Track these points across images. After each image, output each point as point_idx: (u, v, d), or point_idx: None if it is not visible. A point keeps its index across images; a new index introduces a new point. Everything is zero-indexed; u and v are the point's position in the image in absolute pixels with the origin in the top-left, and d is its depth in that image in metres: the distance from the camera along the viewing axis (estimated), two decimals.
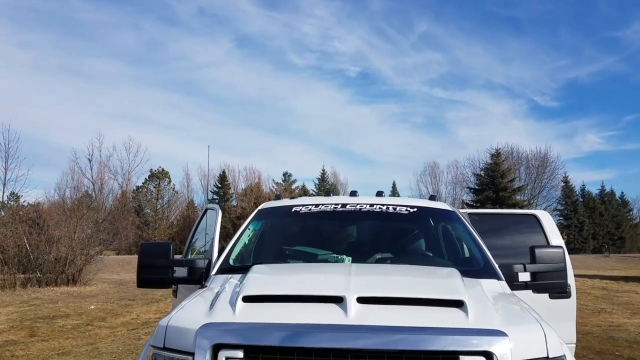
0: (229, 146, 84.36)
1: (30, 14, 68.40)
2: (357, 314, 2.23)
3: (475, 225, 4.86)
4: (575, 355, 8.27)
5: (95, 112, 75.10)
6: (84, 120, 74.38)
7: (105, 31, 74.23)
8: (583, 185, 63.28)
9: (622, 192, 69.48)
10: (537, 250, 3.28)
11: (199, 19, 77.46)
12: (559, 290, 3.30)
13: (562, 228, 54.05)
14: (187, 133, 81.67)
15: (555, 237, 4.63)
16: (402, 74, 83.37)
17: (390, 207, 3.96)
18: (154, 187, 60.22)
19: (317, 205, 4.05)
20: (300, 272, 3.23)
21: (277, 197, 4.57)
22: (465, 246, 3.81)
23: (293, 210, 4.06)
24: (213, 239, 3.81)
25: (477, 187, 38.06)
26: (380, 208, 3.94)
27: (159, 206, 60.08)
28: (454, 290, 2.52)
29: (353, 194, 4.39)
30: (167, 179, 61.01)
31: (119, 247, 39.46)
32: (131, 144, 57.93)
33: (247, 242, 3.88)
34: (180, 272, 3.52)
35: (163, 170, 60.44)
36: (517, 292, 3.52)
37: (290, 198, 4.55)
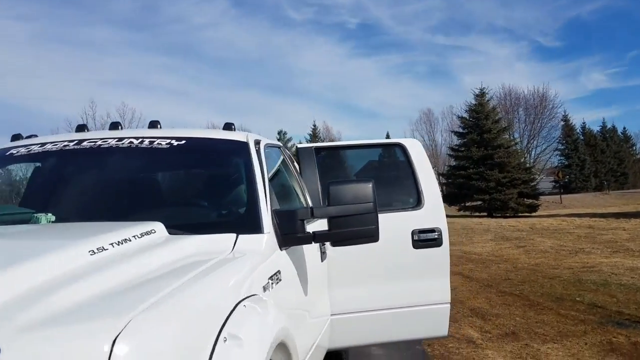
0: (230, 107, 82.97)
1: None
2: None
3: (328, 162, 3.84)
4: (530, 303, 7.45)
5: (90, 79, 73.14)
6: (79, 89, 72.67)
7: None
8: (584, 124, 61.71)
9: (625, 128, 68.03)
10: (332, 188, 2.26)
11: None
12: (365, 240, 2.28)
13: (563, 167, 52.98)
14: (185, 97, 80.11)
15: (424, 170, 3.52)
16: (403, 23, 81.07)
17: (146, 141, 2.84)
18: None
19: (42, 145, 2.93)
20: None
21: (16, 138, 3.28)
22: (241, 192, 2.75)
23: (8, 153, 2.95)
24: None
25: (461, 130, 36.16)
26: (130, 143, 2.83)
27: None
28: None
29: (114, 126, 3.16)
30: None
31: None
32: (125, 110, 56.52)
33: None
34: None
35: None
36: (309, 247, 2.54)
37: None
